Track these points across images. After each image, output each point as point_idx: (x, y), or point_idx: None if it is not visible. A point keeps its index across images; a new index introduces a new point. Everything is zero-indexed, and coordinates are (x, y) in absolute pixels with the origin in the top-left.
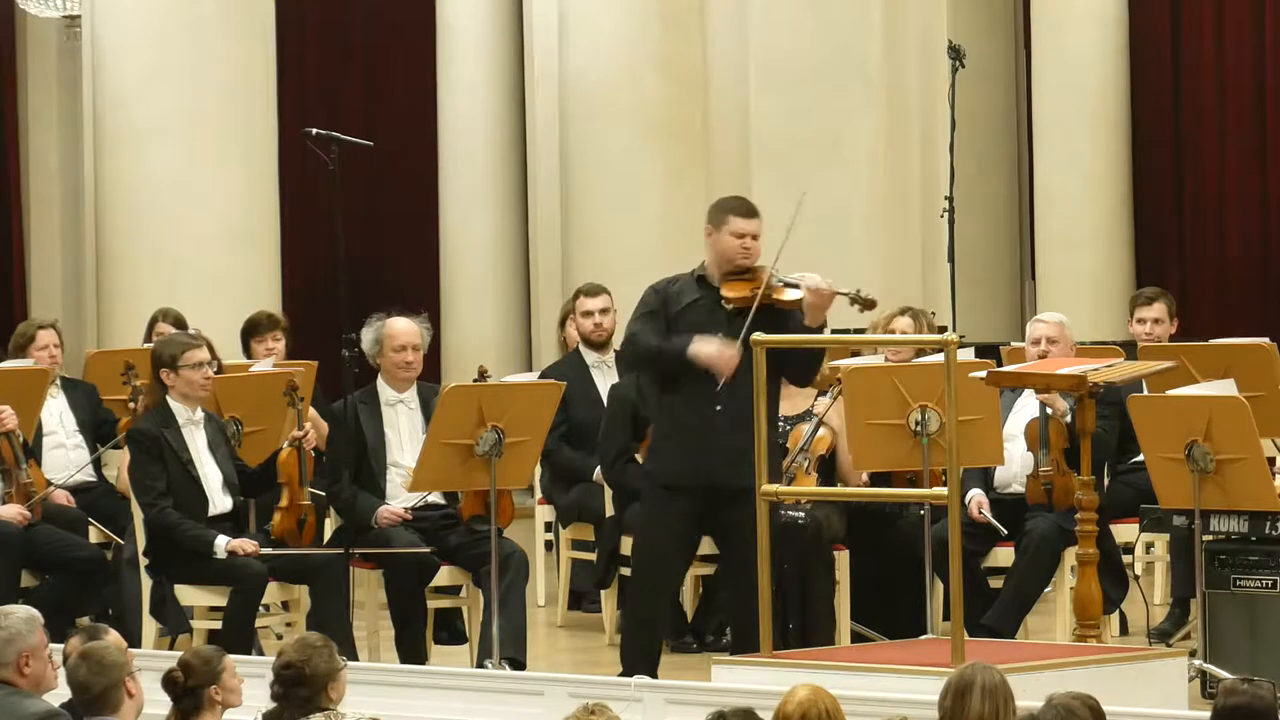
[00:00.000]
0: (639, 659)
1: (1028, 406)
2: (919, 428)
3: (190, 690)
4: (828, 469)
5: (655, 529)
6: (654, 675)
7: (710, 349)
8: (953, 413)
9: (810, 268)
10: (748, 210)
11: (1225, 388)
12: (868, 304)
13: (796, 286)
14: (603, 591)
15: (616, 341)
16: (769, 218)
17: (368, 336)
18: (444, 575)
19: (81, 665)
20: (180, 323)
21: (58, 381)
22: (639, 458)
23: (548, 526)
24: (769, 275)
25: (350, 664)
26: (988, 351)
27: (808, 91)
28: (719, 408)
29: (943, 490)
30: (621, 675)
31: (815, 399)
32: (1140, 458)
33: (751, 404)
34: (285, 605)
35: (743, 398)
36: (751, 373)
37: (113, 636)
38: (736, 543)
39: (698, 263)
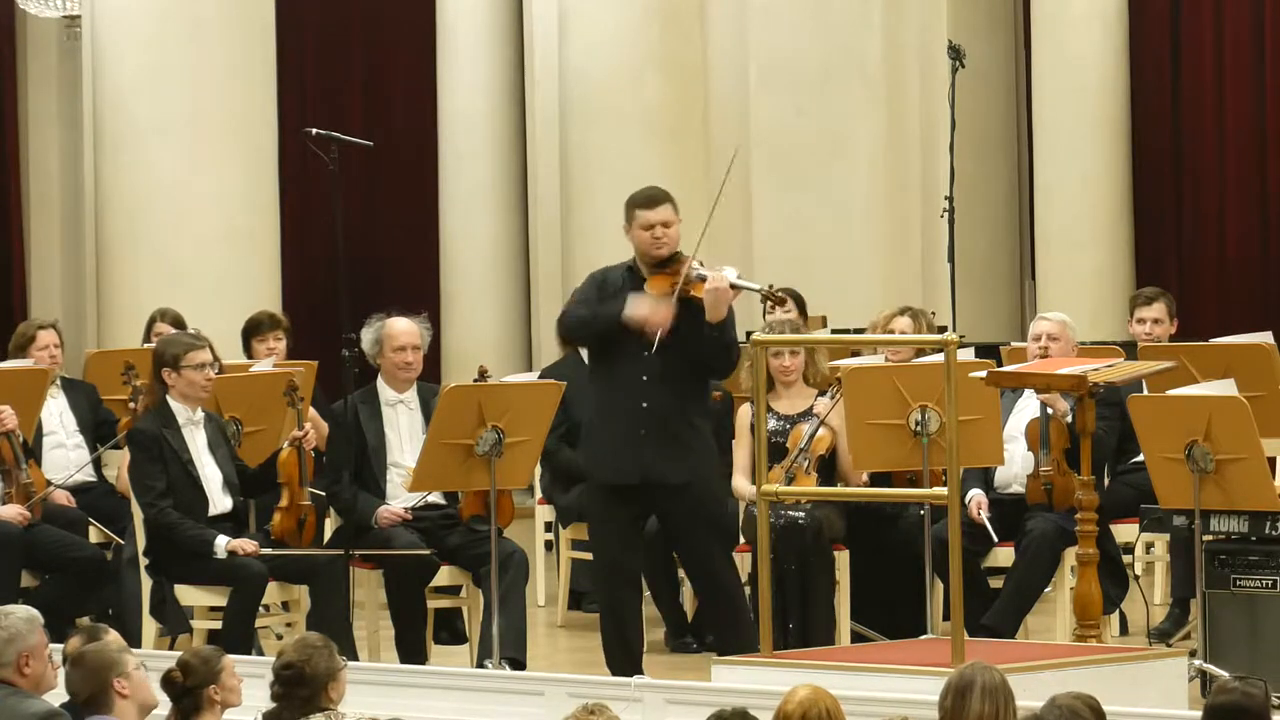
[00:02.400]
0: (621, 661)
1: (1028, 407)
2: (919, 428)
3: (190, 690)
4: (828, 469)
5: (603, 533)
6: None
7: (644, 308)
8: (953, 413)
9: (810, 267)
10: (651, 200)
11: (1225, 388)
12: (778, 300)
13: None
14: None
15: None
16: (769, 218)
17: (368, 336)
18: (444, 575)
19: (71, 671)
20: (179, 323)
21: (58, 381)
22: None
23: (548, 526)
24: (687, 269)
25: (350, 664)
26: (988, 351)
27: (808, 91)
28: (645, 404)
29: (943, 490)
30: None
31: (815, 399)
32: (1140, 458)
33: (677, 396)
34: (285, 605)
35: (670, 391)
36: (671, 368)
37: (112, 636)
38: (682, 537)
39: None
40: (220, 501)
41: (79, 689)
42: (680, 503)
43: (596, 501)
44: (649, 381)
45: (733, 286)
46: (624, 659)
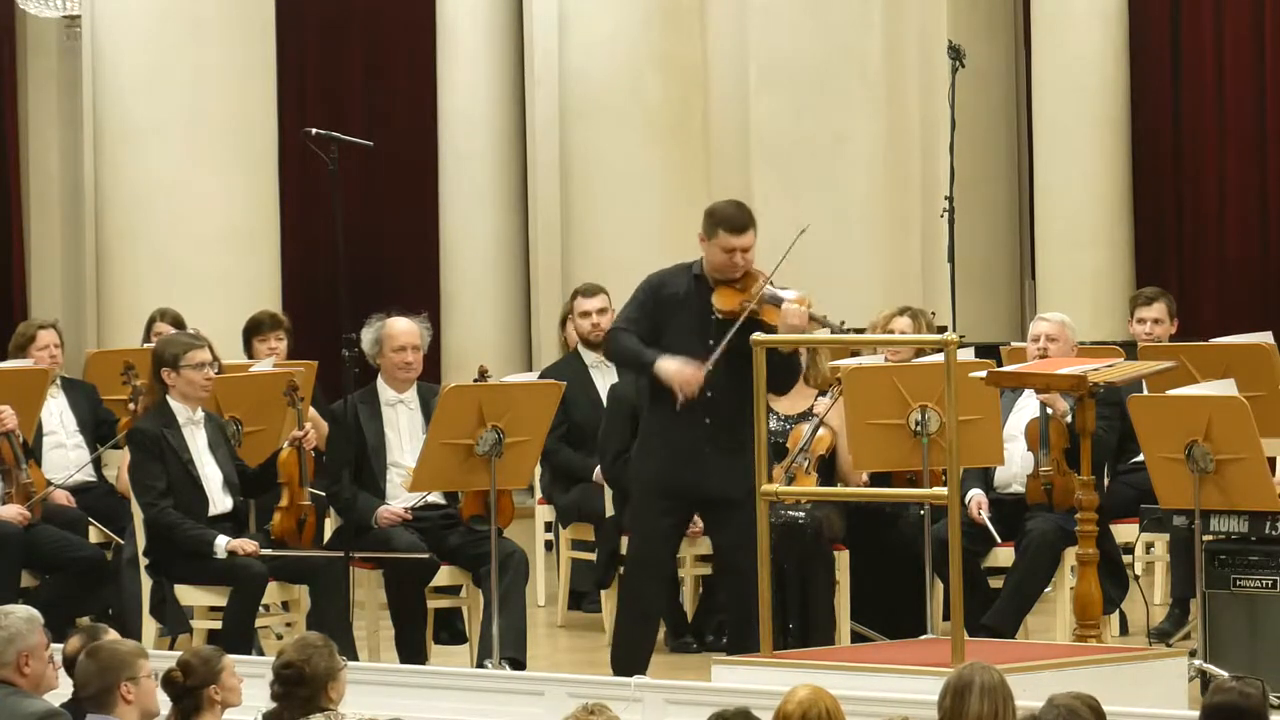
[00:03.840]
0: (631, 657)
1: (1028, 406)
2: (919, 428)
3: (190, 690)
4: (828, 469)
5: (645, 531)
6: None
7: (672, 368)
8: (953, 413)
9: (810, 267)
10: (739, 226)
11: (1225, 388)
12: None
13: (780, 305)
14: (603, 591)
15: None
16: (769, 218)
17: (368, 336)
18: (444, 575)
19: (84, 661)
20: (179, 322)
21: (58, 381)
22: None
23: (548, 526)
24: (760, 289)
25: (350, 664)
26: (988, 351)
27: (808, 91)
28: (708, 420)
29: (943, 490)
30: (613, 674)
31: (815, 399)
32: (1140, 458)
33: (740, 415)
34: (285, 605)
35: (731, 408)
36: (734, 383)
37: (132, 642)
38: (730, 547)
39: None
40: (220, 501)
41: (86, 682)
42: (736, 516)
43: (646, 504)
44: (712, 398)
45: (811, 319)
46: (632, 659)
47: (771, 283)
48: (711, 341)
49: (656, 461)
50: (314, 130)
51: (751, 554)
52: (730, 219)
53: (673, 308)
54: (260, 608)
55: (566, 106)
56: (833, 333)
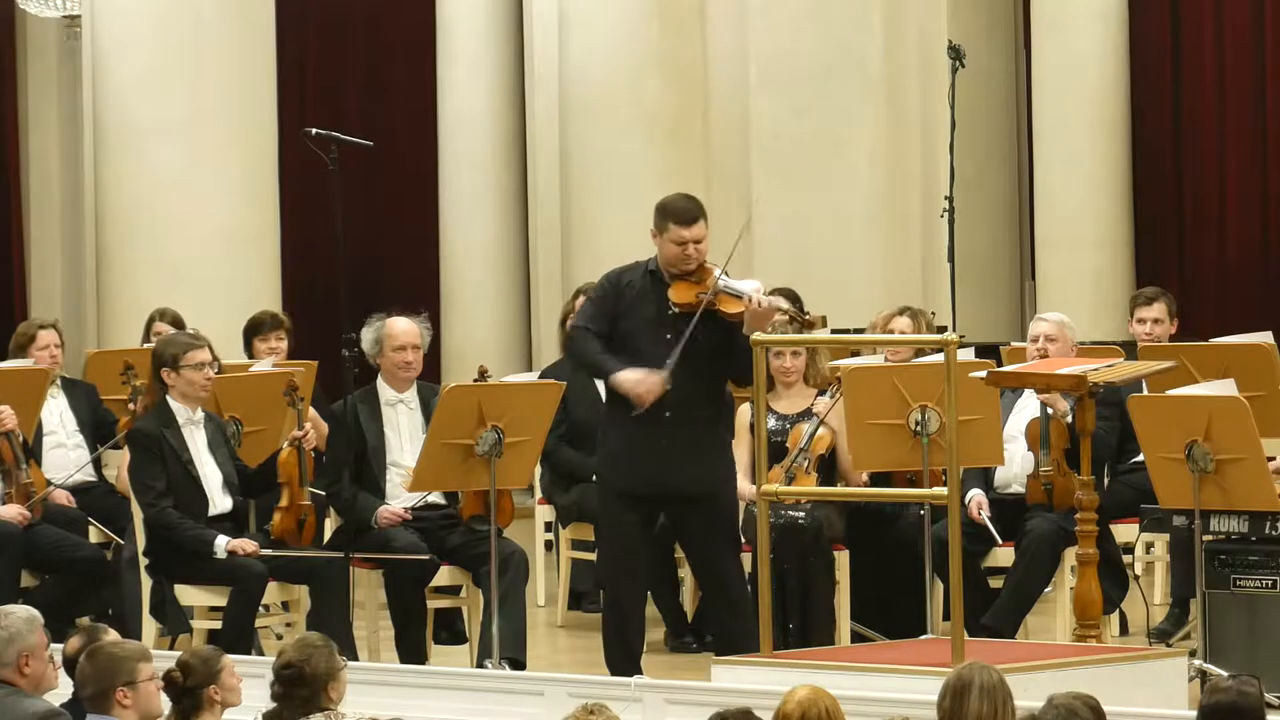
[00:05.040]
0: (621, 658)
1: (1028, 407)
2: (919, 428)
3: (190, 690)
4: (828, 469)
5: (613, 534)
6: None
7: (630, 379)
8: (953, 413)
9: (810, 267)
10: (688, 218)
11: (1225, 388)
12: (808, 325)
13: (740, 296)
14: (603, 591)
15: None
16: (769, 218)
17: (368, 336)
18: (444, 575)
19: (84, 663)
20: (178, 322)
21: (58, 381)
22: None
23: (548, 526)
24: (715, 281)
25: (350, 664)
26: (988, 351)
27: (808, 91)
28: (668, 414)
29: (943, 490)
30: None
31: (815, 398)
32: (1140, 458)
33: (699, 407)
34: (285, 605)
35: (690, 402)
36: (694, 376)
37: (136, 644)
38: (697, 544)
39: None
40: (220, 501)
41: (83, 684)
42: (699, 512)
43: (608, 503)
44: (672, 391)
45: (783, 311)
46: (623, 656)
47: (726, 274)
48: (669, 336)
49: (616, 459)
50: (314, 130)
51: (729, 556)
52: (680, 212)
53: (630, 302)
54: (260, 608)
55: (566, 106)
56: (792, 321)
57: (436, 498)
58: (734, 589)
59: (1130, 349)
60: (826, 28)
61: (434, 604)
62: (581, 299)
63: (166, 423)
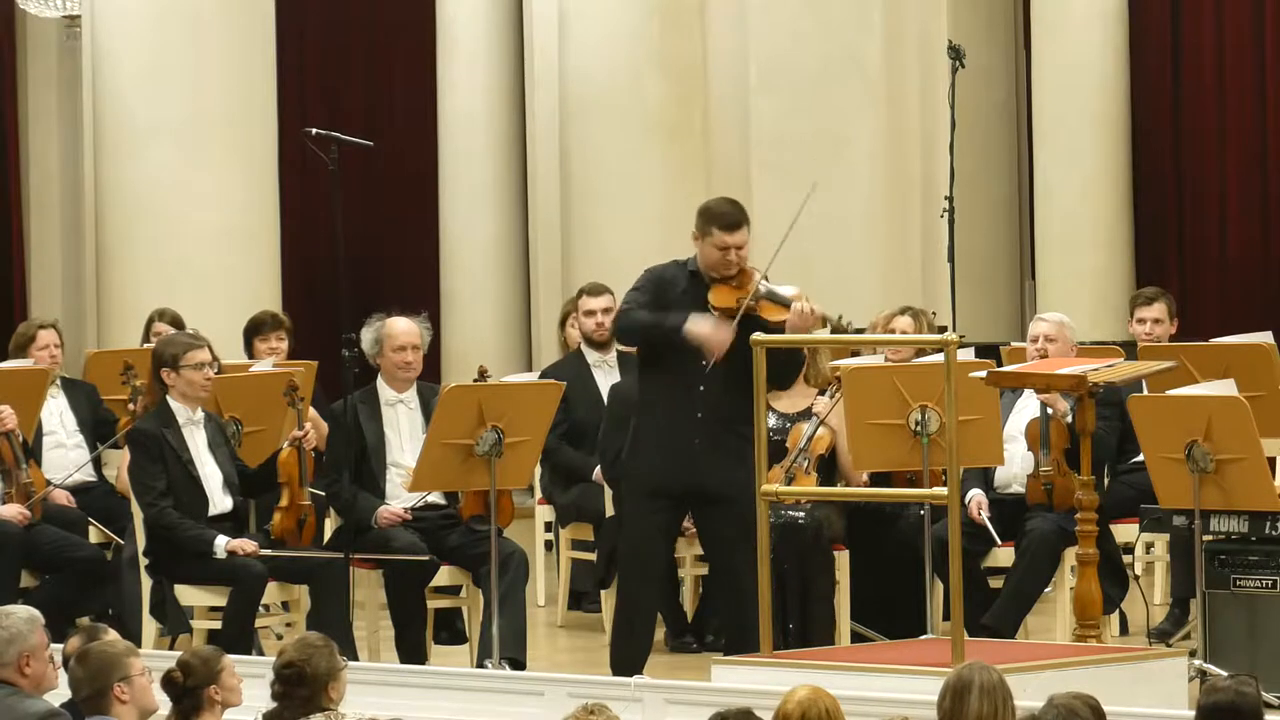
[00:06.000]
0: (628, 657)
1: (1028, 407)
2: (919, 428)
3: (190, 690)
4: (828, 469)
5: (637, 530)
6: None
7: (705, 328)
8: (953, 413)
9: (810, 267)
10: (732, 223)
11: (1225, 388)
12: (842, 331)
13: (782, 303)
14: (603, 591)
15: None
16: (768, 218)
17: (368, 336)
18: (444, 575)
19: (75, 667)
20: (178, 322)
21: (58, 381)
22: None
23: (548, 526)
24: (756, 285)
25: (350, 664)
26: (988, 351)
27: (808, 91)
28: (700, 415)
29: (943, 490)
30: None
31: (815, 398)
32: (1140, 458)
33: (732, 409)
34: (285, 605)
35: (724, 403)
36: (728, 379)
37: (113, 636)
38: (719, 547)
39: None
40: (220, 501)
41: (78, 687)
42: (724, 513)
43: (636, 501)
44: (705, 392)
45: (824, 320)
46: (630, 657)
47: (766, 279)
48: None
49: (648, 459)
50: (314, 130)
51: (743, 551)
52: (724, 216)
53: (675, 298)
54: (260, 608)
55: (566, 106)
56: (836, 330)
57: (436, 498)
58: (745, 580)
59: (1130, 349)
60: (826, 28)
61: (434, 604)
62: (584, 298)
63: (166, 423)
